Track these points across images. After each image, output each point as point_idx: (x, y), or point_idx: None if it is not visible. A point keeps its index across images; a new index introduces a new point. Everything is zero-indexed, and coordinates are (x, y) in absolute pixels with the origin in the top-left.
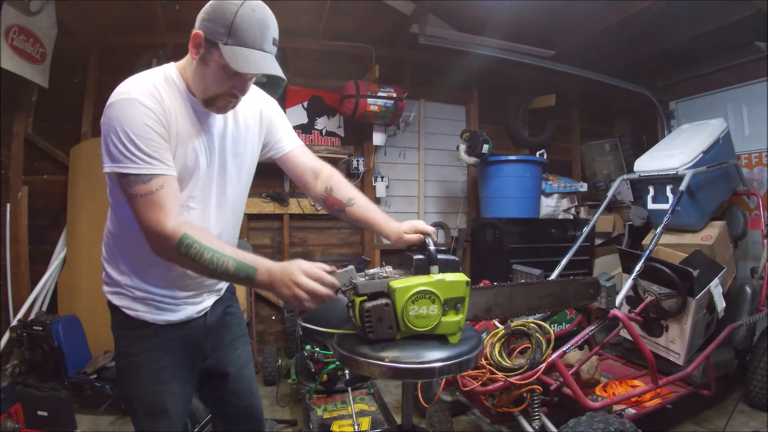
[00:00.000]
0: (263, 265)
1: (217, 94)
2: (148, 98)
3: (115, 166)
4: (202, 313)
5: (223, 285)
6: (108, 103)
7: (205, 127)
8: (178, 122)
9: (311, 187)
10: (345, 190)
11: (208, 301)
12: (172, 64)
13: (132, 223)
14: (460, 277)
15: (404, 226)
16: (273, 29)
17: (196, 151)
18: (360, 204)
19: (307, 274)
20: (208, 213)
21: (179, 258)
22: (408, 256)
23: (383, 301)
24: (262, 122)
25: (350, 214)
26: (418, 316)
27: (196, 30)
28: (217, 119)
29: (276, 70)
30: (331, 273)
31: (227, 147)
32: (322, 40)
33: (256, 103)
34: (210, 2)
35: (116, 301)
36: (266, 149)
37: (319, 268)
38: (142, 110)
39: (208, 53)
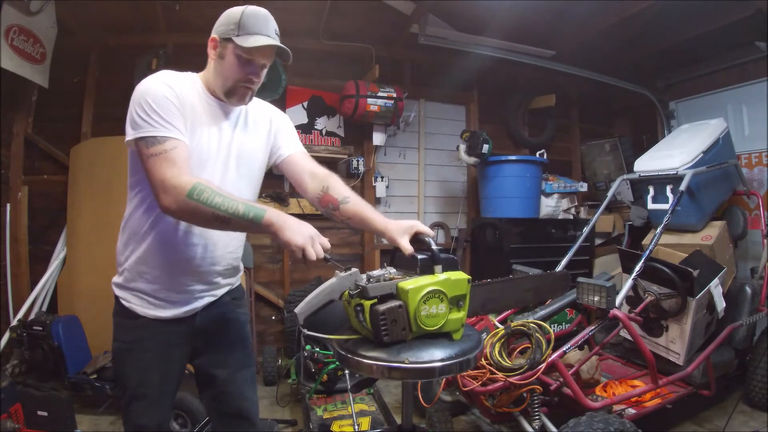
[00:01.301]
0: (273, 211)
1: (235, 82)
2: (169, 80)
3: (135, 133)
4: (191, 313)
5: (221, 290)
6: (135, 88)
7: (217, 121)
8: (194, 110)
9: (307, 186)
10: (341, 189)
11: (198, 303)
12: (193, 73)
13: (138, 212)
14: (462, 275)
15: (405, 223)
16: (273, 23)
17: (206, 136)
18: (355, 202)
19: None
20: None
21: (189, 205)
22: (405, 256)
23: (397, 302)
24: (271, 129)
25: (344, 211)
26: (429, 316)
27: (212, 36)
28: (230, 117)
29: (280, 44)
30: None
31: (234, 141)
32: (322, 40)
33: (267, 112)
34: (221, 15)
35: (116, 290)
36: (271, 157)
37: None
38: (162, 87)
39: (223, 49)
